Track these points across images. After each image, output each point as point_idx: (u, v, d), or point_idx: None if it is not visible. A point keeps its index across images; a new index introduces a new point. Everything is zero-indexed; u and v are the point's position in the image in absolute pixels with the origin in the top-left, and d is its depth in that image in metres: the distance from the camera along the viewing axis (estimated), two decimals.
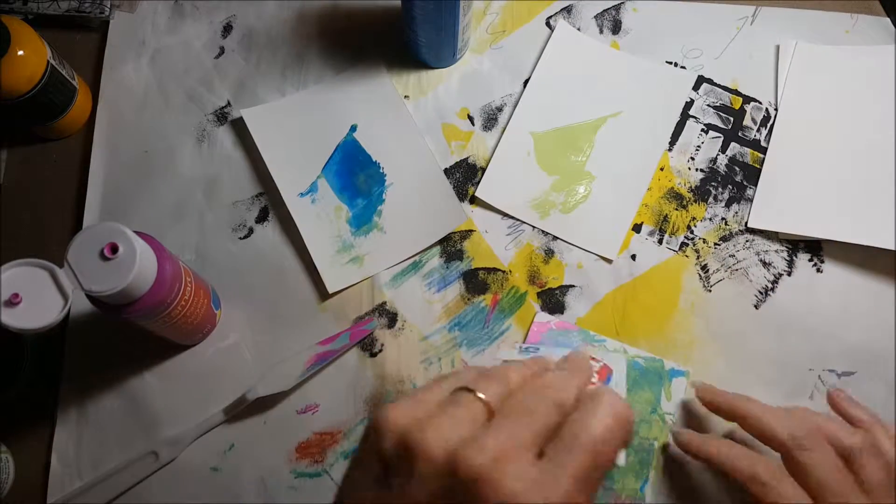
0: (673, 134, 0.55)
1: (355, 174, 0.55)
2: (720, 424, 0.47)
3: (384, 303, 0.52)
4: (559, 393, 0.30)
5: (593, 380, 0.33)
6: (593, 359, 0.36)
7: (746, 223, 0.53)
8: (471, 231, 0.53)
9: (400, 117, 0.56)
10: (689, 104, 0.56)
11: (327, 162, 0.55)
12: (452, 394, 0.30)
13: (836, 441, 0.40)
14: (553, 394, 0.30)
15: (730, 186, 0.54)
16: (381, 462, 0.29)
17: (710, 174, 0.54)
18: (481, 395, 0.30)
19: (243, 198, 0.55)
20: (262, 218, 0.54)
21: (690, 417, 0.48)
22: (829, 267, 0.52)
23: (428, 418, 0.29)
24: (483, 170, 0.55)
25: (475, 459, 0.27)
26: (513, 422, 0.28)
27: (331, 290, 0.51)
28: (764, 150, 0.55)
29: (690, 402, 0.48)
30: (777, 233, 0.52)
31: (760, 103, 0.56)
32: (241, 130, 0.56)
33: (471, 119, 0.56)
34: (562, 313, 0.51)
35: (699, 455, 0.44)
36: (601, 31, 0.59)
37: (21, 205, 0.55)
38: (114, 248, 0.37)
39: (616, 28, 0.59)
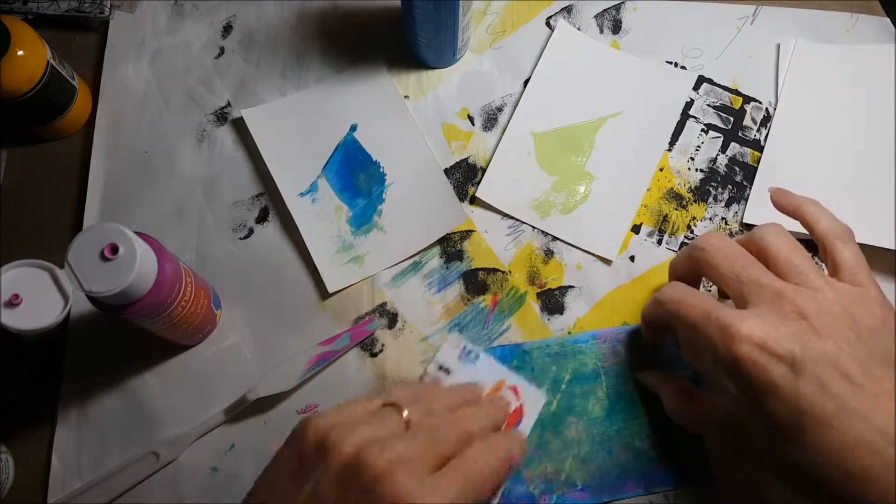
0: (673, 134, 0.55)
1: (355, 174, 0.55)
2: None
3: (384, 303, 0.52)
4: (471, 428, 0.35)
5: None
6: (513, 390, 0.43)
7: (742, 220, 0.53)
8: (471, 231, 0.53)
9: (400, 117, 0.56)
10: (689, 104, 0.56)
11: (327, 162, 0.55)
12: (380, 408, 0.34)
13: None
14: (465, 427, 0.35)
15: (730, 186, 0.54)
16: (299, 460, 0.32)
17: (710, 174, 0.54)
18: (405, 413, 0.34)
19: (243, 198, 0.55)
20: (262, 218, 0.54)
21: None
22: None
23: (350, 424, 0.32)
24: (483, 170, 0.55)
25: (379, 458, 0.30)
26: (422, 438, 0.32)
27: (331, 289, 0.51)
28: (763, 150, 0.55)
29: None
30: None
31: (760, 103, 0.56)
32: (241, 130, 0.56)
33: (471, 119, 0.56)
34: (561, 314, 0.51)
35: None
36: (601, 31, 0.59)
37: (21, 205, 0.55)
38: (114, 249, 0.37)
39: (616, 28, 0.59)
